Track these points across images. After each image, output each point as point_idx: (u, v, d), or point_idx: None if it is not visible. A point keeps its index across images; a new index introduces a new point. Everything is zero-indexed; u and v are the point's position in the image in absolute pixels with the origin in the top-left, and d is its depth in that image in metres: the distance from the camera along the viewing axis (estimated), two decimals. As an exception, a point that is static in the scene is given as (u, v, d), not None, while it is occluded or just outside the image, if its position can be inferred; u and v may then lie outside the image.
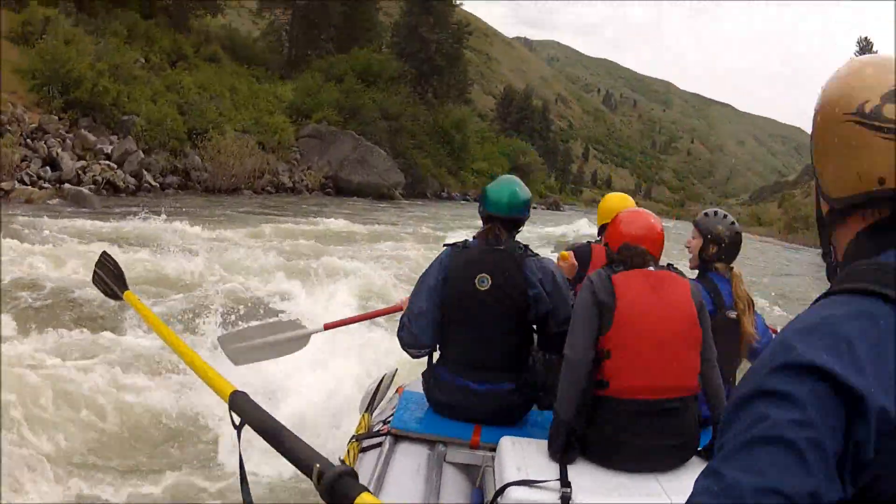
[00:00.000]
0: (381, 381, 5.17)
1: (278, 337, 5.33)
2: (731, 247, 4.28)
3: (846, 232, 1.26)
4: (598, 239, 5.35)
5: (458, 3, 76.77)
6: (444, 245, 4.29)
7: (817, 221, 1.36)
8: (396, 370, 5.46)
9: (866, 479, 0.97)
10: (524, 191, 4.24)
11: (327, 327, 5.44)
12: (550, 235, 31.31)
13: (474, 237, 4.22)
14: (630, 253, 3.57)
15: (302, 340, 5.36)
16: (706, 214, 4.42)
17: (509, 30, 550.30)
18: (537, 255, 4.16)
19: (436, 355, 4.26)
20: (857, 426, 0.96)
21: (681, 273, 3.65)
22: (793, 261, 45.78)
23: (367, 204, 40.01)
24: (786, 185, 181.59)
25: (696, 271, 4.37)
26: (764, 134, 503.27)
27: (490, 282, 3.97)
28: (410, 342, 4.14)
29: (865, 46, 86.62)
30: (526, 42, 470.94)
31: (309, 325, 5.51)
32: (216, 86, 41.64)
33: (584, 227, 37.48)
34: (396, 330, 4.22)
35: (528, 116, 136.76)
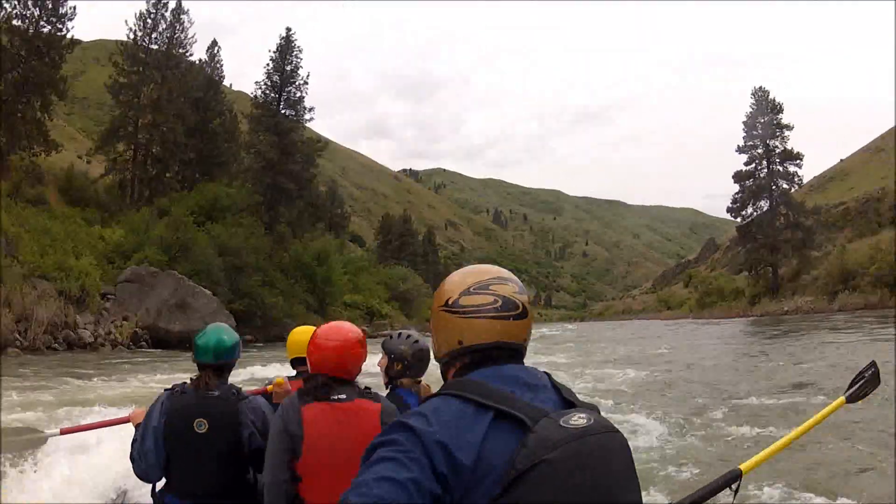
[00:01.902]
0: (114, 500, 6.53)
1: (14, 438, 5.56)
2: (415, 363, 4.71)
3: (451, 373, 2.06)
4: (292, 376, 5.33)
5: (306, 119, 70.71)
6: (165, 389, 4.59)
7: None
8: (125, 492, 6.32)
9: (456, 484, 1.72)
10: (230, 336, 4.72)
11: (63, 432, 5.61)
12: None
13: (190, 382, 4.55)
14: (315, 384, 3.86)
15: (38, 442, 5.71)
16: (390, 336, 4.88)
17: (396, 164, 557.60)
18: (247, 397, 4.60)
19: (161, 483, 4.56)
20: (430, 450, 1.72)
21: (374, 397, 3.92)
22: (711, 336, 44.14)
23: (178, 357, 34.63)
24: (688, 265, 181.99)
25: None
26: (657, 222, 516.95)
27: (207, 426, 4.39)
28: (141, 475, 4.53)
29: (761, 96, 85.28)
30: (412, 173, 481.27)
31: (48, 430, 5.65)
32: (14, 228, 37.25)
33: None
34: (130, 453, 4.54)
35: (409, 242, 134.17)
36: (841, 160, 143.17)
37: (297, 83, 68.13)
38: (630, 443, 1.92)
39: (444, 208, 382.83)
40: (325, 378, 3.85)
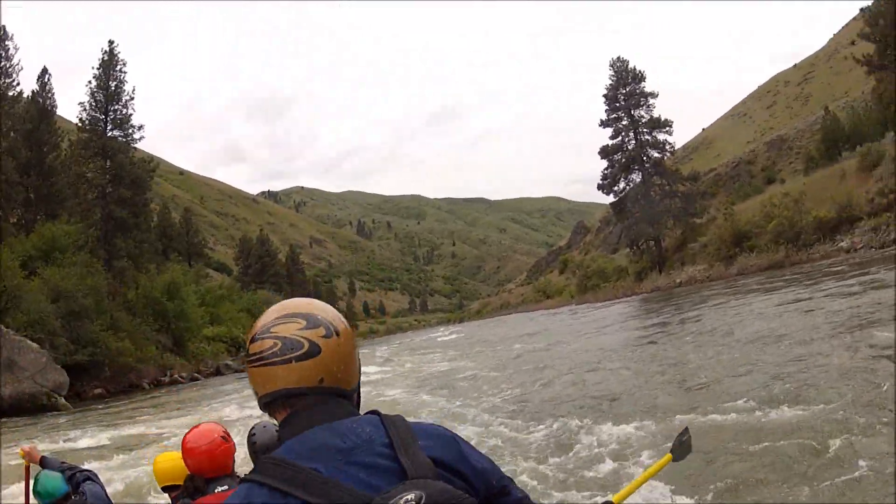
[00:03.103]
0: None
1: None
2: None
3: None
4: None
5: (136, 138, 63.91)
6: None
7: None
8: None
9: None
10: (54, 478, 5.41)
11: None
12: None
13: None
14: (193, 486, 4.21)
15: None
16: (253, 432, 4.87)
17: (253, 187, 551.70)
18: (87, 492, 5.30)
19: None
20: None
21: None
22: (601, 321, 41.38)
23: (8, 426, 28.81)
24: (560, 251, 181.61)
25: None
26: (521, 214, 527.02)
27: None
28: None
29: (620, 67, 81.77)
30: (270, 195, 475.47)
31: None
32: None
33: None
34: None
35: (270, 264, 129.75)
36: (703, 129, 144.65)
37: (123, 100, 61.96)
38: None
39: (307, 226, 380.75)
40: (202, 480, 4.20)
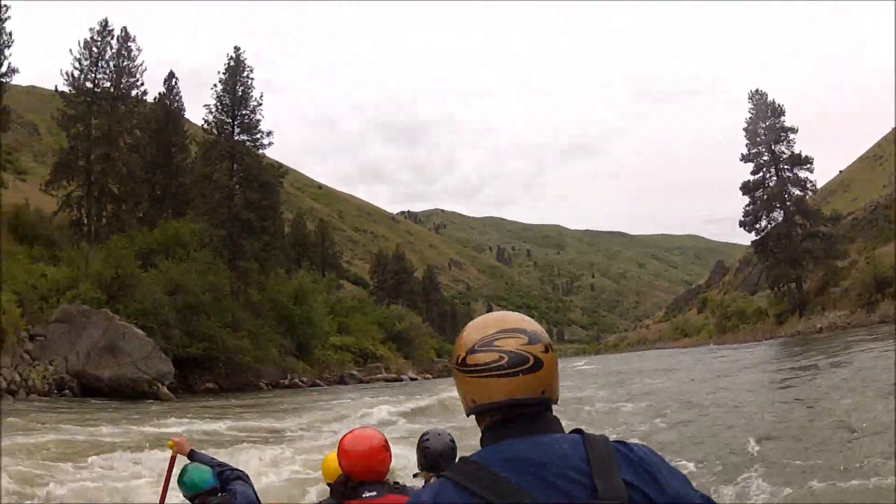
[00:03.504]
0: None
1: None
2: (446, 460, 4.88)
3: (482, 427, 1.88)
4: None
5: (265, 144, 62.58)
6: None
7: None
8: None
9: None
10: (204, 471, 5.54)
11: None
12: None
13: None
14: (344, 489, 4.23)
15: None
16: (427, 437, 5.12)
17: (393, 207, 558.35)
18: (237, 492, 5.34)
19: None
20: None
21: (401, 490, 4.22)
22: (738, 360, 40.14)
23: (104, 408, 28.57)
24: (699, 290, 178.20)
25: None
26: (661, 250, 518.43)
27: None
28: None
29: (759, 100, 79.01)
30: (410, 215, 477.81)
31: None
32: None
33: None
34: None
35: (405, 280, 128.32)
36: (840, 172, 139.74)
37: (250, 106, 61.45)
38: None
39: (447, 248, 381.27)
40: (354, 482, 4.22)
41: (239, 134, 60.95)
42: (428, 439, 5.01)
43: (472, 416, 1.93)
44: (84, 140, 55.64)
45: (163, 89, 70.48)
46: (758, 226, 78.01)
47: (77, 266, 42.22)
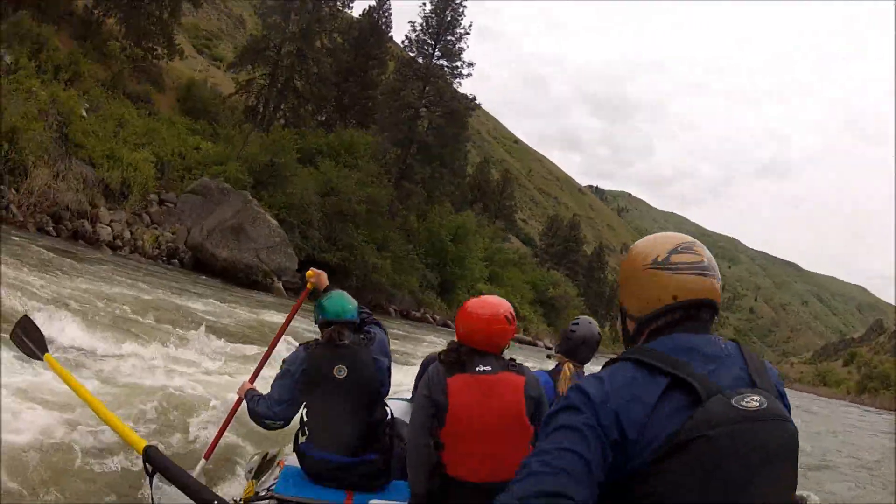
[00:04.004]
0: (266, 455, 5.71)
1: None
2: (581, 347, 4.94)
3: (645, 334, 2.04)
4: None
5: (464, 74, 60.37)
6: (300, 345, 4.84)
7: (623, 336, 2.14)
8: (280, 449, 5.65)
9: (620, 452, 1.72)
10: (352, 301, 4.92)
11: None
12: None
13: (321, 339, 4.79)
14: (457, 357, 3.96)
15: None
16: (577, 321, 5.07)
17: (583, 179, 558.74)
18: (376, 334, 4.88)
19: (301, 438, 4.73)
20: (603, 419, 1.72)
21: (518, 369, 3.98)
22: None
23: (214, 286, 26.84)
24: (852, 343, 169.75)
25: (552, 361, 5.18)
26: (827, 293, 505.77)
27: (346, 371, 4.60)
28: (269, 416, 4.74)
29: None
30: (597, 191, 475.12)
31: None
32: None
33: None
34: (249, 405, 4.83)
35: (573, 250, 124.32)
36: None
37: (457, 33, 59.18)
38: None
39: (624, 231, 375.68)
40: (468, 350, 3.95)
41: (439, 59, 59.33)
42: (577, 323, 4.99)
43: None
44: (280, 32, 54.19)
45: (374, 2, 68.62)
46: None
47: (234, 145, 41.07)
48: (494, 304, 4.06)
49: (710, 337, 1.97)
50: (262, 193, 37.62)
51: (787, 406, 1.96)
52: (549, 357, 5.07)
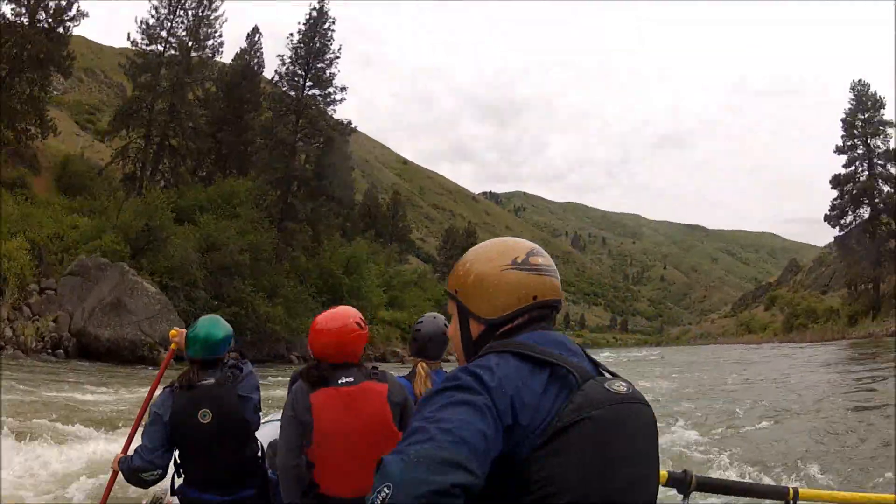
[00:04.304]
0: (154, 498, 6.11)
1: None
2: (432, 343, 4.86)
3: (497, 336, 2.06)
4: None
5: (337, 100, 59.62)
6: (165, 387, 4.75)
7: (462, 343, 2.16)
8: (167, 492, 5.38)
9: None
10: (221, 329, 4.78)
11: None
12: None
13: (182, 381, 4.65)
14: (318, 373, 4.00)
15: None
16: (421, 320, 4.98)
17: (476, 187, 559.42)
18: (243, 370, 4.75)
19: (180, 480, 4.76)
20: (498, 402, 1.76)
21: (381, 376, 4.11)
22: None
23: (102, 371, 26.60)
24: (769, 287, 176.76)
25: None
26: (736, 246, 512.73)
27: (210, 416, 4.51)
28: (145, 466, 4.57)
29: (861, 91, 75.58)
30: (491, 196, 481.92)
31: None
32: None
33: None
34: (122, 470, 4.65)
35: None
36: None
37: (327, 59, 58.74)
38: None
39: (523, 230, 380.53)
40: (327, 366, 4.00)
41: (311, 88, 58.73)
42: (421, 322, 4.91)
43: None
44: (150, 90, 53.44)
45: (245, 45, 68.13)
46: (843, 221, 75.05)
47: (109, 216, 40.39)
48: (342, 313, 4.15)
49: (563, 335, 2.09)
50: (142, 261, 37.13)
51: None
52: (404, 362, 5.35)
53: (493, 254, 2.12)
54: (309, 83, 58.42)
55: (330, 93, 58.79)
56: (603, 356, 67.67)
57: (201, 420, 4.49)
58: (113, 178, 52.63)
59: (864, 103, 74.42)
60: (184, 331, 5.08)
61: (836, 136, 76.20)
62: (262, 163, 56.83)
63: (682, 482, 3.50)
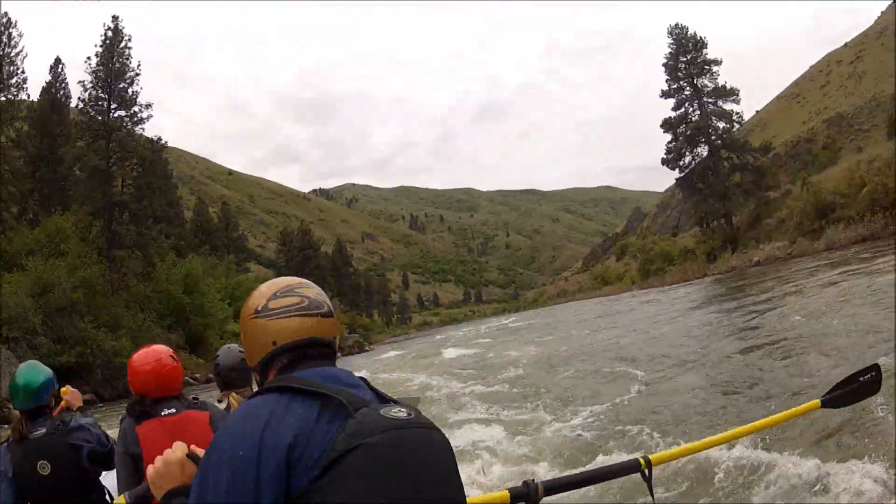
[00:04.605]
0: None
1: None
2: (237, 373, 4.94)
3: (270, 378, 2.07)
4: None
5: (144, 117, 57.84)
6: (3, 442, 4.54)
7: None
8: None
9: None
10: (37, 376, 4.59)
11: None
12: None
13: (12, 436, 4.51)
14: (141, 408, 4.07)
15: None
16: (217, 354, 5.07)
17: (306, 186, 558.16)
18: (77, 426, 4.55)
19: None
20: (261, 454, 1.74)
21: (201, 406, 4.24)
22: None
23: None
24: (617, 237, 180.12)
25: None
26: (574, 204, 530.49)
27: (49, 466, 4.38)
28: None
29: (679, 34, 75.82)
30: (322, 192, 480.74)
31: None
32: None
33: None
34: None
35: (312, 256, 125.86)
36: (757, 111, 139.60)
37: (128, 77, 56.96)
38: None
39: (359, 221, 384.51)
40: (150, 401, 4.08)
41: (116, 110, 56.88)
42: (218, 356, 5.00)
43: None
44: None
45: (49, 77, 66.33)
46: (681, 162, 75.09)
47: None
48: (156, 351, 4.21)
49: (342, 370, 2.03)
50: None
51: None
52: (219, 402, 4.91)
53: (248, 303, 2.14)
54: (113, 105, 56.68)
55: (136, 112, 57.33)
56: (461, 332, 68.37)
57: (41, 472, 4.40)
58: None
59: (685, 45, 74.76)
60: (74, 391, 5.07)
61: (660, 81, 76.85)
62: (81, 193, 54.86)
63: (527, 495, 3.22)
